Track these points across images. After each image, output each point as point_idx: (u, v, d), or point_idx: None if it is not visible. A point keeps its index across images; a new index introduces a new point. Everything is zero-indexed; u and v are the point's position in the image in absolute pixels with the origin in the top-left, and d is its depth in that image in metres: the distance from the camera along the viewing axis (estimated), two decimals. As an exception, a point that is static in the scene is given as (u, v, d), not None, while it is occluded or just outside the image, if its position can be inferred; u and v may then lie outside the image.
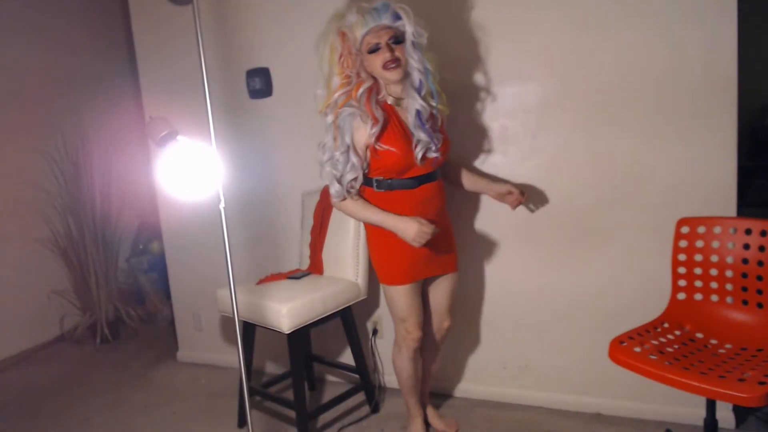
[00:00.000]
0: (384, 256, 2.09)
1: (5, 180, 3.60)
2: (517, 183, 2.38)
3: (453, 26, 2.37)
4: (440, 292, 2.22)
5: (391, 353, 2.25)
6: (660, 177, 2.19)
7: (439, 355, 2.37)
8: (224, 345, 3.25)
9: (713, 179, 2.12)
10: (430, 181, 2.02)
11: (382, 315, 2.77)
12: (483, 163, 2.43)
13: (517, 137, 2.37)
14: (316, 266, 2.62)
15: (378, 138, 1.92)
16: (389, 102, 1.99)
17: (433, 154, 1.97)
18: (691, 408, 2.18)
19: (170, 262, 3.33)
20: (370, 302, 2.72)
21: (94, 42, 4.10)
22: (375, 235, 2.09)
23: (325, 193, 2.65)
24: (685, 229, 1.98)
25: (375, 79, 1.96)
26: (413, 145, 1.95)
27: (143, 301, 4.12)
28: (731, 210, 2.11)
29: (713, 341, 1.82)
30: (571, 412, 2.46)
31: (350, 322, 2.53)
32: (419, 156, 1.95)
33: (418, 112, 1.94)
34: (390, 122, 1.95)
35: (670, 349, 1.75)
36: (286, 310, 2.25)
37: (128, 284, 4.16)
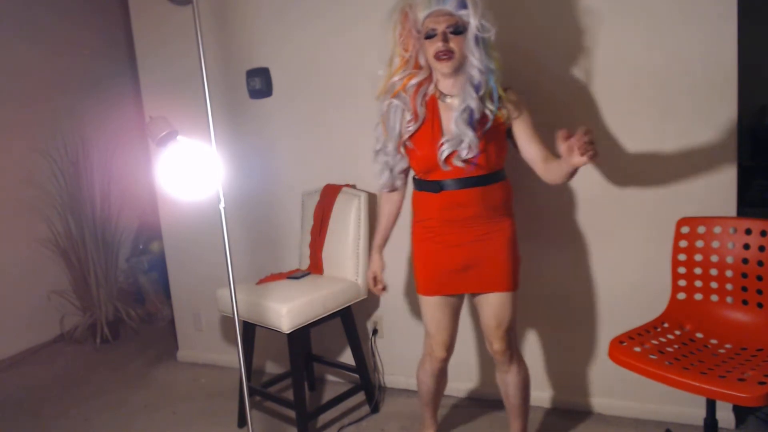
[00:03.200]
0: (414, 263, 2.00)
1: (5, 180, 3.60)
2: (516, 181, 2.40)
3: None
4: (483, 310, 1.96)
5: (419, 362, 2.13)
6: (660, 177, 2.19)
7: (519, 383, 2.01)
8: (224, 345, 3.25)
9: (713, 179, 2.12)
10: (458, 188, 1.83)
11: (382, 315, 2.78)
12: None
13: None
14: (316, 266, 2.62)
15: (411, 135, 1.85)
16: (436, 96, 1.86)
17: (459, 163, 1.78)
18: (691, 408, 2.18)
19: (170, 262, 3.33)
20: (370, 302, 2.72)
21: (94, 42, 4.10)
22: (412, 238, 2.00)
23: (325, 193, 2.65)
24: (685, 229, 1.98)
25: (430, 70, 1.84)
26: (438, 145, 1.80)
27: (143, 301, 4.11)
28: (731, 210, 2.11)
29: (713, 341, 1.82)
30: (571, 412, 2.46)
31: (350, 322, 2.53)
32: (443, 156, 1.78)
33: (470, 110, 1.76)
34: (426, 120, 1.84)
35: (670, 349, 1.75)
36: (286, 310, 2.25)
37: (128, 284, 4.16)
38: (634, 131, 2.20)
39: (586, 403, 2.44)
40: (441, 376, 2.09)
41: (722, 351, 1.76)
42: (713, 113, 2.08)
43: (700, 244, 1.95)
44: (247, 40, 2.82)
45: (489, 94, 1.79)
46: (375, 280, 2.12)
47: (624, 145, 2.22)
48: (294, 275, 2.57)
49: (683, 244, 1.98)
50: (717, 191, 2.12)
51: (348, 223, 2.52)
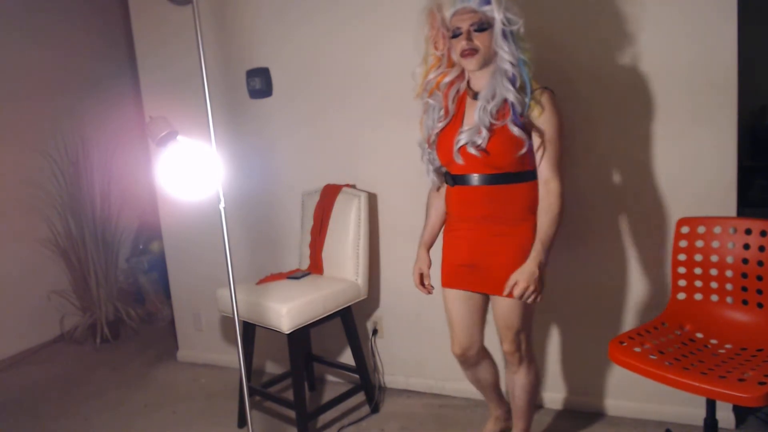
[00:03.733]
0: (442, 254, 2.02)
1: (5, 180, 3.60)
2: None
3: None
4: (493, 311, 1.95)
5: None
6: (660, 177, 2.19)
7: (527, 384, 1.98)
8: (224, 345, 3.25)
9: (713, 179, 2.12)
10: (469, 183, 1.84)
11: (382, 315, 2.78)
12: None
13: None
14: (316, 266, 2.62)
15: (440, 130, 1.87)
16: (468, 94, 1.87)
17: (473, 150, 1.76)
18: (691, 408, 2.18)
19: (170, 262, 3.33)
20: (370, 302, 2.72)
21: (94, 42, 4.10)
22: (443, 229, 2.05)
23: (325, 192, 2.65)
24: (685, 229, 1.98)
25: (462, 68, 1.86)
26: (456, 134, 1.82)
27: (143, 301, 4.11)
28: (731, 210, 2.11)
29: (713, 341, 1.82)
30: (571, 412, 2.46)
31: (350, 322, 2.53)
32: (458, 145, 1.80)
33: (511, 104, 1.74)
34: (454, 116, 1.87)
35: (670, 349, 1.75)
36: (286, 310, 2.25)
37: (128, 284, 4.16)
38: (634, 131, 2.19)
39: (586, 403, 2.44)
40: (475, 371, 2.05)
41: (722, 351, 1.76)
42: (713, 113, 2.08)
43: (700, 244, 1.95)
44: (247, 40, 2.82)
45: (522, 87, 1.76)
46: (421, 277, 2.08)
47: (624, 145, 2.22)
48: (294, 275, 2.57)
49: (683, 244, 1.98)
50: (717, 191, 2.11)
51: (348, 223, 2.52)
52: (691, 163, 2.14)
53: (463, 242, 1.90)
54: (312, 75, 2.73)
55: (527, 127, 1.77)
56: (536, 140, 1.79)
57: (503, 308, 1.88)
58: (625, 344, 1.76)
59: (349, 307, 2.50)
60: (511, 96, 1.74)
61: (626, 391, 2.34)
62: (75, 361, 3.53)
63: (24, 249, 3.69)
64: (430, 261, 2.08)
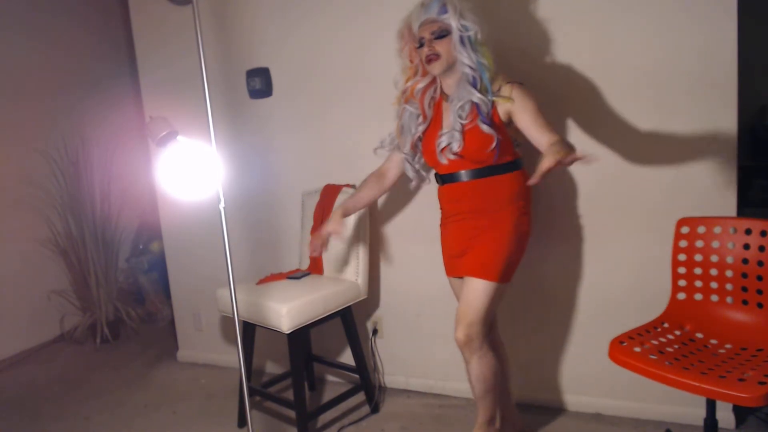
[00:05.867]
0: None
1: (5, 180, 3.60)
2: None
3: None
4: (462, 294, 2.02)
5: None
6: (660, 177, 2.19)
7: (477, 376, 1.99)
8: (224, 345, 3.25)
9: (713, 179, 2.12)
10: (453, 181, 2.00)
11: (382, 315, 2.78)
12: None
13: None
14: (316, 266, 2.62)
15: (422, 133, 2.04)
16: (443, 98, 2.02)
17: (450, 155, 1.94)
18: (691, 408, 2.18)
19: (170, 262, 3.33)
20: (370, 302, 2.72)
21: (94, 42, 4.10)
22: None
23: (325, 192, 2.65)
24: (685, 229, 1.98)
25: (433, 75, 1.99)
26: (437, 138, 1.98)
27: (143, 301, 4.11)
28: (731, 210, 2.11)
29: (713, 341, 1.82)
30: (571, 412, 2.46)
31: (350, 322, 2.53)
32: (438, 149, 1.96)
33: (477, 106, 1.89)
34: (432, 120, 2.03)
35: (670, 349, 1.75)
36: (286, 310, 2.25)
37: (128, 284, 4.16)
38: (634, 131, 2.19)
39: (586, 403, 2.44)
40: (469, 361, 1.98)
41: (722, 351, 1.76)
42: (713, 113, 2.08)
43: (700, 244, 1.95)
44: (247, 40, 2.82)
45: (484, 88, 1.91)
46: (319, 236, 2.20)
47: (624, 145, 2.22)
48: (294, 275, 2.57)
49: (683, 244, 1.98)
50: (717, 191, 2.11)
51: (348, 223, 2.52)
52: (691, 163, 2.14)
53: (451, 235, 2.06)
54: (312, 75, 2.73)
55: (498, 124, 1.90)
56: (522, 122, 1.86)
57: (469, 289, 1.96)
58: (625, 344, 1.76)
59: (349, 307, 2.50)
60: (475, 98, 1.89)
61: (626, 391, 2.34)
62: (75, 361, 3.53)
63: (24, 249, 3.69)
64: (340, 227, 2.17)
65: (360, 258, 2.51)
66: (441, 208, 2.12)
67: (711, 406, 1.79)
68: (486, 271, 1.93)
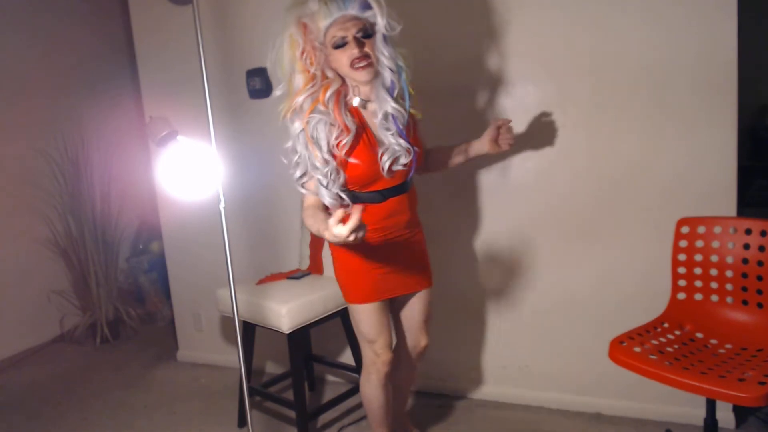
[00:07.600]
0: (346, 274, 1.88)
1: (5, 180, 3.60)
2: (516, 181, 2.39)
3: (451, 29, 2.37)
4: (414, 309, 1.99)
5: (359, 381, 2.04)
6: (660, 177, 2.19)
7: (416, 375, 2.18)
8: (224, 345, 3.25)
9: (713, 179, 2.12)
10: (400, 193, 1.80)
11: (382, 315, 2.77)
12: (481, 165, 2.42)
13: (515, 138, 2.37)
14: (316, 266, 2.62)
15: (349, 149, 1.70)
16: (355, 104, 1.75)
17: (399, 167, 1.75)
18: (691, 408, 2.19)
19: (170, 262, 3.33)
20: (370, 302, 2.72)
21: (94, 42, 4.10)
22: (335, 251, 1.88)
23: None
24: (685, 229, 1.98)
25: (343, 79, 1.73)
26: (379, 156, 1.72)
27: (143, 301, 4.12)
28: (731, 210, 2.11)
29: (713, 341, 1.82)
30: (571, 412, 2.46)
31: (350, 322, 2.53)
32: (386, 167, 1.72)
33: (392, 117, 1.71)
34: (358, 131, 1.72)
35: (670, 349, 1.75)
36: (286, 310, 2.25)
37: (128, 284, 4.16)
38: (634, 131, 2.19)
39: (586, 403, 2.44)
40: (388, 386, 1.99)
41: (722, 351, 1.76)
42: (713, 112, 2.08)
43: (700, 244, 1.95)
44: (247, 40, 2.82)
45: (401, 94, 1.75)
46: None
47: (624, 145, 2.22)
48: (294, 275, 2.57)
49: (683, 244, 1.98)
50: (717, 191, 2.11)
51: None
52: (691, 163, 2.14)
53: (407, 250, 1.90)
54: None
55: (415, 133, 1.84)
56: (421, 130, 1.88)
57: (424, 301, 2.00)
58: (625, 344, 1.76)
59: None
60: (389, 107, 1.70)
61: (626, 391, 2.34)
62: (75, 361, 3.53)
63: (24, 249, 3.69)
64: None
65: (360, 258, 2.51)
66: (374, 229, 1.79)
67: (711, 406, 1.79)
68: (431, 278, 2.02)
